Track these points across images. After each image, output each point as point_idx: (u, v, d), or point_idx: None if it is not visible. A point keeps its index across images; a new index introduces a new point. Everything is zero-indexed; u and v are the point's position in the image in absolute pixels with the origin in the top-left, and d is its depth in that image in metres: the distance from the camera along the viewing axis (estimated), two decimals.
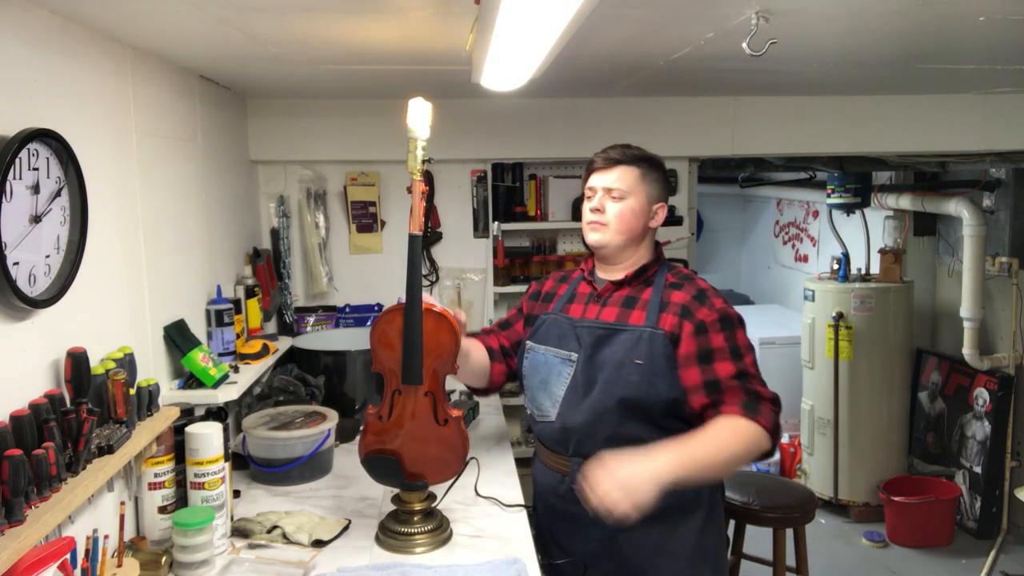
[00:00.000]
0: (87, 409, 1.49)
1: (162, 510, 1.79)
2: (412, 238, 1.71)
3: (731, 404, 1.69)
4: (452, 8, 1.57)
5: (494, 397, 3.13)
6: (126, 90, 1.87)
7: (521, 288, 3.25)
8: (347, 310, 3.19)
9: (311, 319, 3.11)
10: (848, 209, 4.30)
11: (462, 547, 1.80)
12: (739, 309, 1.87)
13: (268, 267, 2.91)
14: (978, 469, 3.93)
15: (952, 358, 4.16)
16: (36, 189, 1.44)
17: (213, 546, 1.73)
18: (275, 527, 1.86)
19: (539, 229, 3.37)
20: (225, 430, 1.88)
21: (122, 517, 1.64)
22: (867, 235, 4.61)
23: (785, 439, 4.55)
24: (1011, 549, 3.79)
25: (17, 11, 1.43)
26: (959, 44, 2.14)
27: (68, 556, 1.35)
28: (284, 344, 2.74)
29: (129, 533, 1.78)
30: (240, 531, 1.87)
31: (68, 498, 1.36)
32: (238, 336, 2.41)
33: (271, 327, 2.99)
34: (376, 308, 3.21)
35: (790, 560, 2.73)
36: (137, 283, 1.91)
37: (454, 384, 2.27)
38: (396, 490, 1.85)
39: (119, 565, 1.61)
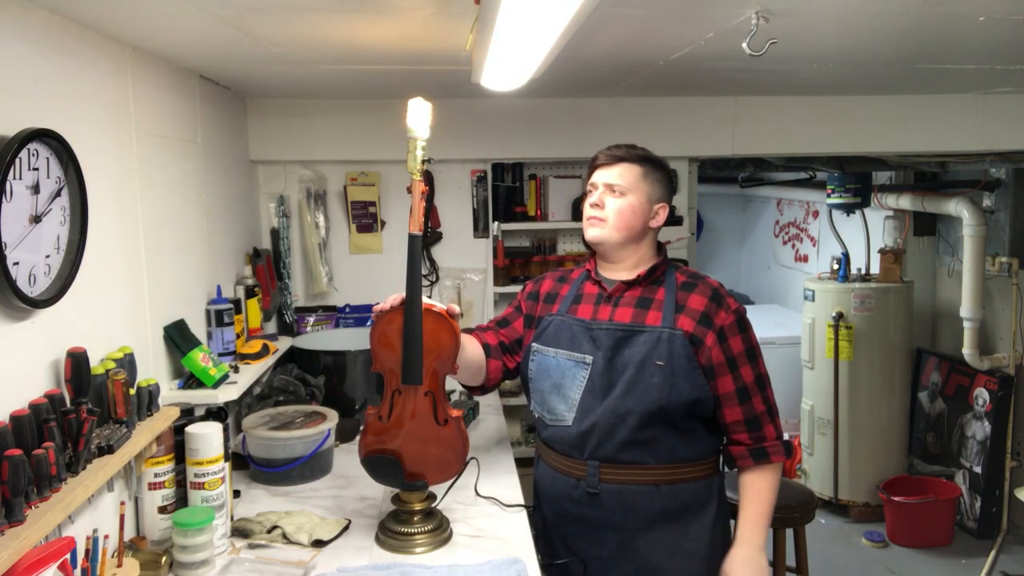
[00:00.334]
0: (87, 409, 1.49)
1: (162, 510, 1.79)
2: (412, 238, 1.71)
3: (771, 449, 1.81)
4: (452, 8, 1.57)
5: (494, 397, 3.13)
6: (126, 90, 1.87)
7: (520, 288, 3.25)
8: (347, 310, 3.19)
9: (311, 319, 3.11)
10: (848, 209, 4.30)
11: (462, 547, 1.80)
12: None
13: (268, 267, 2.91)
14: (978, 469, 3.93)
15: (952, 358, 4.16)
16: (36, 189, 1.44)
17: (213, 546, 1.73)
18: (275, 527, 1.86)
19: (539, 229, 3.37)
20: (225, 430, 1.88)
21: (122, 517, 1.64)
22: (867, 235, 4.61)
23: (784, 439, 4.54)
24: (1011, 549, 3.79)
25: (17, 11, 1.43)
26: (959, 44, 2.14)
27: (68, 556, 1.35)
28: (284, 344, 2.74)
29: (129, 533, 1.78)
30: (240, 531, 1.87)
31: (68, 498, 1.36)
32: (238, 336, 2.41)
33: (271, 327, 2.99)
34: None
35: (790, 560, 2.73)
36: (137, 283, 1.91)
37: (454, 384, 2.27)
38: (396, 490, 1.85)
39: (119, 565, 1.61)
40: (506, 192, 3.31)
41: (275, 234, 3.08)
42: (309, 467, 2.20)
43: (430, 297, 3.23)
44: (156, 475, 1.78)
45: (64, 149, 1.52)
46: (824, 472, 4.25)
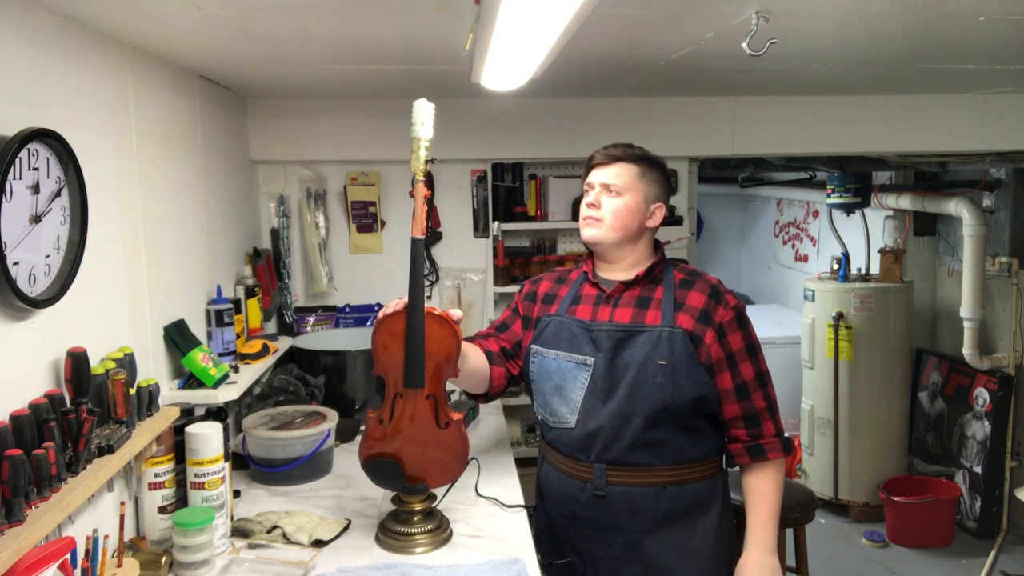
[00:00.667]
0: (87, 409, 1.49)
1: (162, 510, 1.79)
2: (415, 242, 1.71)
3: (767, 445, 1.80)
4: (452, 8, 1.57)
5: None
6: (126, 90, 1.87)
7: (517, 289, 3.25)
8: (347, 310, 3.19)
9: (311, 319, 3.11)
10: (848, 209, 4.30)
11: (462, 547, 1.80)
12: None
13: (268, 267, 2.91)
14: (978, 469, 3.93)
15: (952, 358, 4.16)
16: (36, 189, 1.44)
17: (213, 546, 1.73)
18: (275, 527, 1.86)
19: (539, 229, 3.37)
20: (225, 430, 1.88)
21: (122, 517, 1.64)
22: (867, 235, 4.61)
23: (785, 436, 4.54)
24: (1011, 549, 3.79)
25: (17, 11, 1.43)
26: (959, 44, 2.14)
27: (68, 556, 1.35)
28: (284, 344, 2.74)
29: (129, 533, 1.78)
30: (240, 531, 1.87)
31: (68, 498, 1.36)
32: (238, 336, 2.41)
33: (271, 327, 2.99)
34: (376, 308, 3.21)
35: (790, 560, 2.74)
36: (137, 283, 1.91)
37: (453, 385, 2.27)
38: None
39: (119, 565, 1.61)
40: (506, 192, 3.31)
41: (275, 234, 3.08)
42: (309, 467, 2.20)
43: (430, 298, 3.24)
44: (156, 475, 1.78)
45: (64, 149, 1.52)
46: (824, 472, 4.25)
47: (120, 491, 1.73)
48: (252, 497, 2.13)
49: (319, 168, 3.14)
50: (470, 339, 1.98)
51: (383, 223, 3.22)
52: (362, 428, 1.83)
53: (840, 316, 4.09)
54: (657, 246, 1.92)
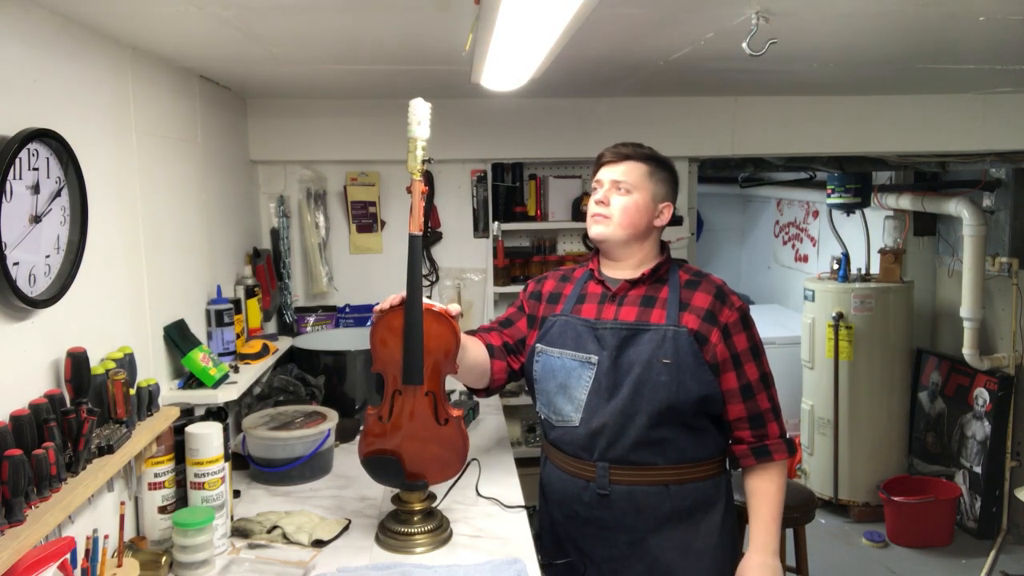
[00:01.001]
0: (87, 409, 1.49)
1: (162, 510, 1.79)
2: (412, 238, 1.71)
3: (772, 447, 1.82)
4: (452, 8, 1.57)
5: (494, 397, 3.13)
6: (126, 90, 1.87)
7: (521, 288, 3.25)
8: (347, 310, 3.19)
9: (311, 319, 3.11)
10: (848, 209, 4.30)
11: (462, 547, 1.80)
12: None
13: (268, 267, 2.91)
14: (978, 469, 3.93)
15: (952, 358, 4.16)
16: (36, 189, 1.44)
17: (213, 546, 1.73)
18: (275, 527, 1.86)
19: (539, 229, 3.37)
20: (225, 430, 1.88)
21: (122, 517, 1.64)
22: (867, 235, 4.61)
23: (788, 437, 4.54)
24: (1011, 549, 3.79)
25: (16, 11, 1.43)
26: (959, 44, 2.14)
27: (68, 556, 1.35)
28: (284, 344, 2.74)
29: (129, 533, 1.78)
30: (240, 531, 1.87)
31: (68, 498, 1.36)
32: (238, 336, 2.41)
33: (271, 327, 2.99)
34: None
35: (790, 560, 2.73)
36: (137, 283, 1.91)
37: (454, 384, 2.27)
38: (396, 490, 1.85)
39: (119, 565, 1.61)
40: (506, 192, 3.31)
41: (275, 234, 3.08)
42: (309, 467, 2.20)
43: (430, 297, 3.24)
44: (156, 475, 1.78)
45: (64, 149, 1.52)
46: (824, 472, 4.25)
47: (120, 491, 1.73)
48: (252, 497, 2.13)
49: (319, 168, 3.14)
50: (471, 332, 1.99)
51: (383, 223, 3.22)
52: (362, 427, 1.83)
53: (840, 316, 4.09)
54: (663, 246, 1.92)
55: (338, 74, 2.44)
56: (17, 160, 1.36)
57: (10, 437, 1.30)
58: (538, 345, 1.90)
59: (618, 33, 1.89)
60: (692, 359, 1.74)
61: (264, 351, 2.43)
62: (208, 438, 1.81)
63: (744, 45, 1.71)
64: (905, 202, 4.25)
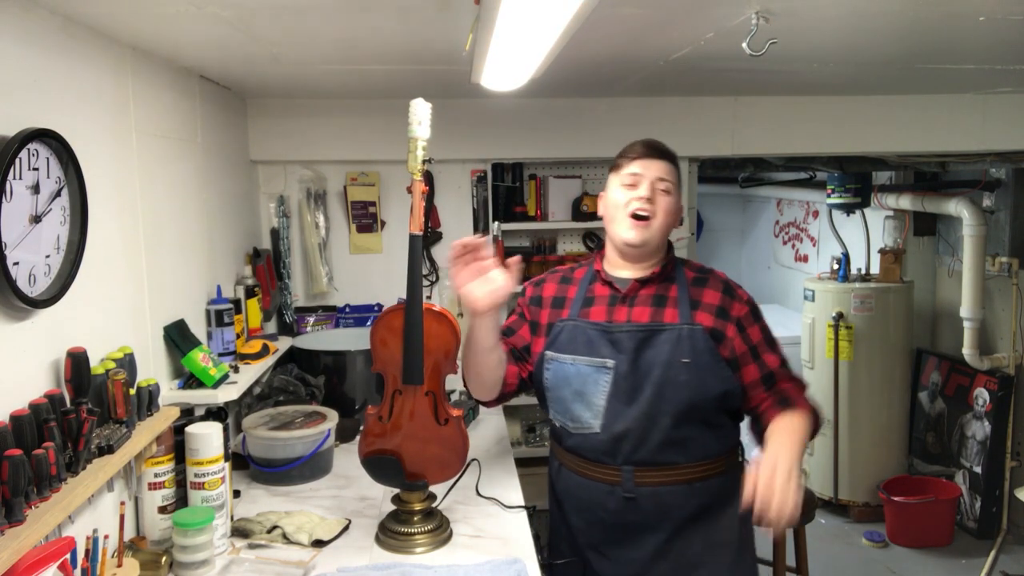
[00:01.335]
0: (87, 409, 1.49)
1: (162, 510, 1.79)
2: (412, 238, 1.71)
3: (792, 397, 1.74)
4: (452, 8, 1.57)
5: None
6: (126, 90, 1.87)
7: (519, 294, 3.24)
8: (347, 310, 3.19)
9: (311, 319, 3.11)
10: (848, 209, 4.30)
11: (462, 547, 1.80)
12: None
13: (268, 267, 2.91)
14: (978, 469, 3.93)
15: (952, 358, 4.16)
16: (36, 189, 1.44)
17: (213, 546, 1.73)
18: (275, 527, 1.86)
19: (539, 229, 3.37)
20: (225, 430, 1.88)
21: (122, 517, 1.64)
22: (867, 235, 4.61)
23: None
24: (1011, 549, 3.79)
25: (17, 10, 1.43)
26: (959, 44, 2.14)
27: (68, 556, 1.35)
28: (284, 344, 2.74)
29: (129, 533, 1.78)
30: (240, 531, 1.87)
31: (68, 498, 1.36)
32: (238, 336, 2.41)
33: (271, 327, 2.99)
34: (376, 308, 3.21)
35: (790, 560, 2.73)
36: (137, 283, 1.91)
37: (454, 384, 2.27)
38: (396, 490, 1.85)
39: (119, 565, 1.61)
40: (506, 192, 3.31)
41: (275, 234, 3.08)
42: (309, 467, 2.20)
43: (430, 297, 3.24)
44: (156, 475, 1.78)
45: (64, 149, 1.52)
46: (824, 472, 4.24)
47: (120, 491, 1.73)
48: (252, 497, 2.13)
49: (319, 168, 3.14)
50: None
51: (383, 223, 3.22)
52: (362, 428, 1.83)
53: (840, 316, 4.09)
54: (668, 244, 1.89)
55: (338, 74, 2.44)
56: (17, 160, 1.36)
57: (10, 437, 1.30)
58: (548, 352, 1.83)
59: (618, 33, 1.89)
60: (710, 356, 1.72)
61: (264, 351, 2.43)
62: (208, 438, 1.81)
63: (744, 45, 1.71)
64: (905, 202, 4.25)
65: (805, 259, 5.67)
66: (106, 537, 1.59)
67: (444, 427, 1.78)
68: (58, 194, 1.51)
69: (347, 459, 2.32)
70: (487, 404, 1.94)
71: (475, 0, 1.37)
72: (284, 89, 2.78)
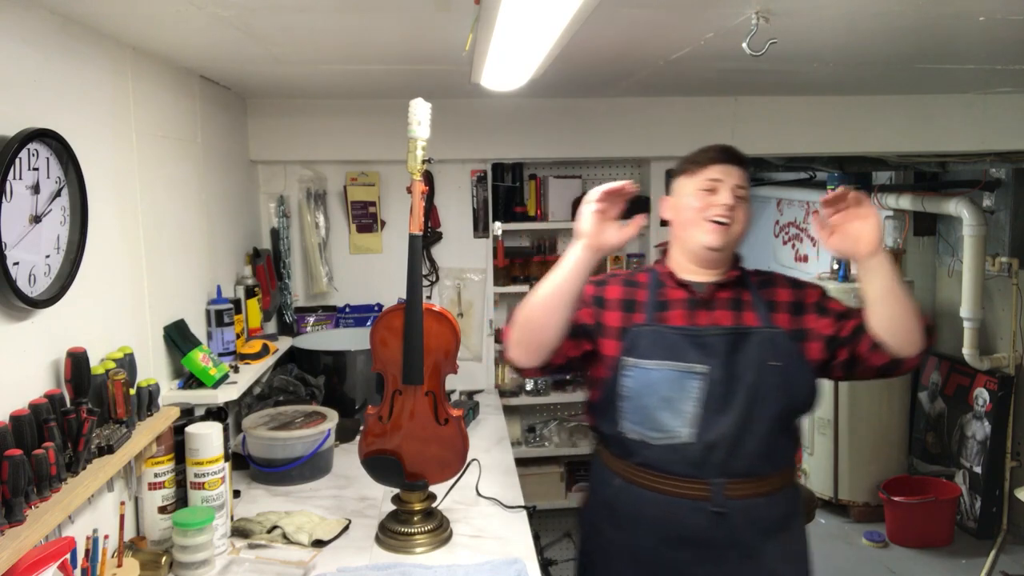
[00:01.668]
0: (87, 409, 1.49)
1: (162, 510, 1.79)
2: (412, 238, 1.71)
3: None
4: (452, 8, 1.57)
5: (494, 397, 3.13)
6: (126, 90, 1.87)
7: (521, 288, 3.25)
8: (347, 310, 3.19)
9: (311, 319, 3.11)
10: None
11: (462, 547, 1.81)
12: None
13: (268, 267, 2.91)
14: (978, 469, 3.93)
15: (952, 358, 4.16)
16: (36, 189, 1.44)
17: (213, 546, 1.73)
18: (275, 527, 1.86)
19: (539, 229, 3.37)
20: (225, 430, 1.88)
21: (122, 517, 1.64)
22: None
23: None
24: (1011, 549, 3.79)
25: (17, 10, 1.43)
26: (959, 44, 2.14)
27: (68, 556, 1.35)
28: (284, 344, 2.74)
29: (129, 533, 1.78)
30: (240, 531, 1.87)
31: (68, 498, 1.36)
32: (238, 336, 2.41)
33: (271, 327, 2.99)
34: (376, 308, 3.21)
35: None
36: (137, 283, 1.91)
37: (454, 384, 2.27)
38: (396, 490, 1.85)
39: (119, 565, 1.61)
40: (506, 192, 3.31)
41: (275, 234, 3.08)
42: (309, 467, 2.20)
43: (430, 297, 3.24)
44: (156, 475, 1.78)
45: (64, 149, 1.52)
46: (824, 472, 4.24)
47: (120, 491, 1.73)
48: (252, 497, 2.13)
49: (319, 168, 3.14)
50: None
51: (383, 223, 3.22)
52: (362, 428, 1.83)
53: None
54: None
55: (338, 74, 2.44)
56: (17, 160, 1.36)
57: (10, 437, 1.30)
58: (628, 359, 1.68)
59: (618, 33, 1.89)
60: (797, 359, 1.67)
61: (264, 351, 2.43)
62: (208, 438, 1.81)
63: (744, 45, 1.71)
64: (905, 202, 4.25)
65: (805, 259, 5.67)
66: (106, 537, 1.59)
67: (444, 427, 1.78)
68: (58, 194, 1.51)
69: (347, 459, 2.32)
70: (526, 371, 1.71)
71: (475, 0, 1.37)
72: (284, 89, 2.78)
